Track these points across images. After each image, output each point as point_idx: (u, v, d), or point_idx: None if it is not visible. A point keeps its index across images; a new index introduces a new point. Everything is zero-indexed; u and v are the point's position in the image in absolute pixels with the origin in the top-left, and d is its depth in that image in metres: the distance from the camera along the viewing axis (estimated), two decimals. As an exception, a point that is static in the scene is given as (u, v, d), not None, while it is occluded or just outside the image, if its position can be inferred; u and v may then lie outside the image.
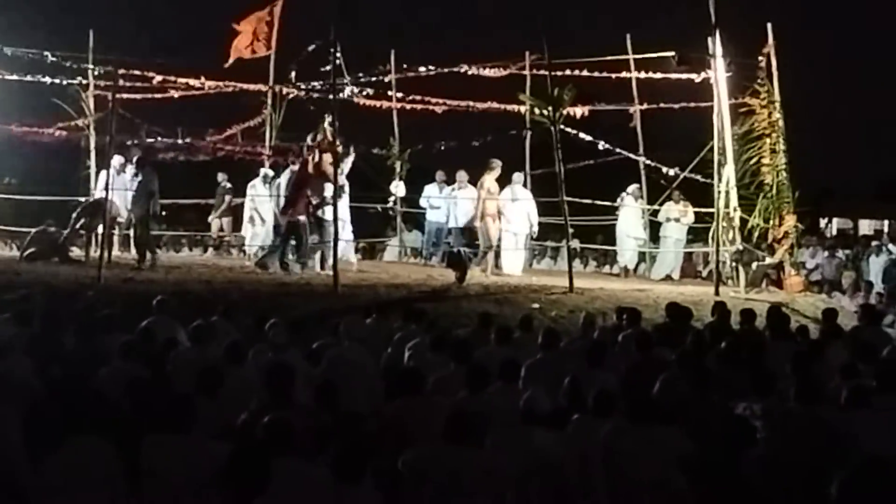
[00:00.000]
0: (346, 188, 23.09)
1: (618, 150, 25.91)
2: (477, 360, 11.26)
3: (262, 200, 24.54)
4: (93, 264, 20.37)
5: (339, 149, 21.99)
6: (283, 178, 23.38)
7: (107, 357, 11.33)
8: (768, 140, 23.23)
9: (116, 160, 23.22)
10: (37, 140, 27.35)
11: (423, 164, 27.86)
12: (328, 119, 22.45)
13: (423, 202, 26.68)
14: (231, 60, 27.53)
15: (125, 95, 25.27)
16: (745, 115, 23.31)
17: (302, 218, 22.09)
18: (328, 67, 22.86)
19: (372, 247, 30.83)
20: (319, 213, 22.35)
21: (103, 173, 23.24)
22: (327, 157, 22.30)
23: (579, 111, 25.74)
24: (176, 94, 27.58)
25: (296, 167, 22.88)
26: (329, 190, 22.00)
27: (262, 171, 24.97)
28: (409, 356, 12.80)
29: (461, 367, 10.93)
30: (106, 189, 20.66)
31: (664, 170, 25.52)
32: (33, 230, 23.57)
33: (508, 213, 23.83)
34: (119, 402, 9.38)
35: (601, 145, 25.83)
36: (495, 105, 27.55)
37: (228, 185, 28.22)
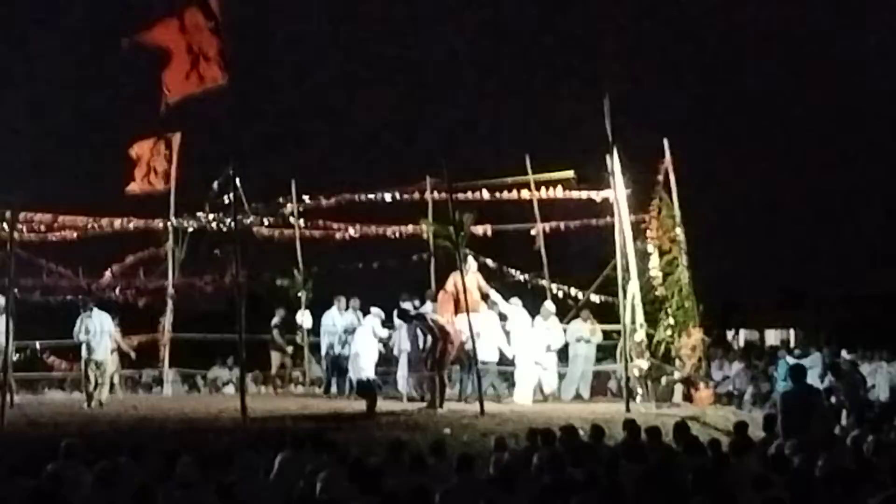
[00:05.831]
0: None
1: (520, 272, 26.06)
2: (389, 489, 11.16)
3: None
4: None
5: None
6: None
7: (12, 505, 11.09)
8: (667, 256, 23.47)
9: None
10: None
11: (327, 292, 27.60)
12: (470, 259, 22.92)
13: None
14: (136, 190, 27.44)
15: (25, 235, 25.14)
16: (645, 232, 23.55)
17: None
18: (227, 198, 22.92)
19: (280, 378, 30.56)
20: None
21: None
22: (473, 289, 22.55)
23: (481, 230, 25.96)
24: (75, 234, 27.46)
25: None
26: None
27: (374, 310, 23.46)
28: (321, 488, 12.64)
29: (373, 497, 10.79)
30: (6, 332, 20.42)
31: (567, 290, 25.72)
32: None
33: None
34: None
35: (505, 269, 25.99)
36: (398, 229, 27.70)
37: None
